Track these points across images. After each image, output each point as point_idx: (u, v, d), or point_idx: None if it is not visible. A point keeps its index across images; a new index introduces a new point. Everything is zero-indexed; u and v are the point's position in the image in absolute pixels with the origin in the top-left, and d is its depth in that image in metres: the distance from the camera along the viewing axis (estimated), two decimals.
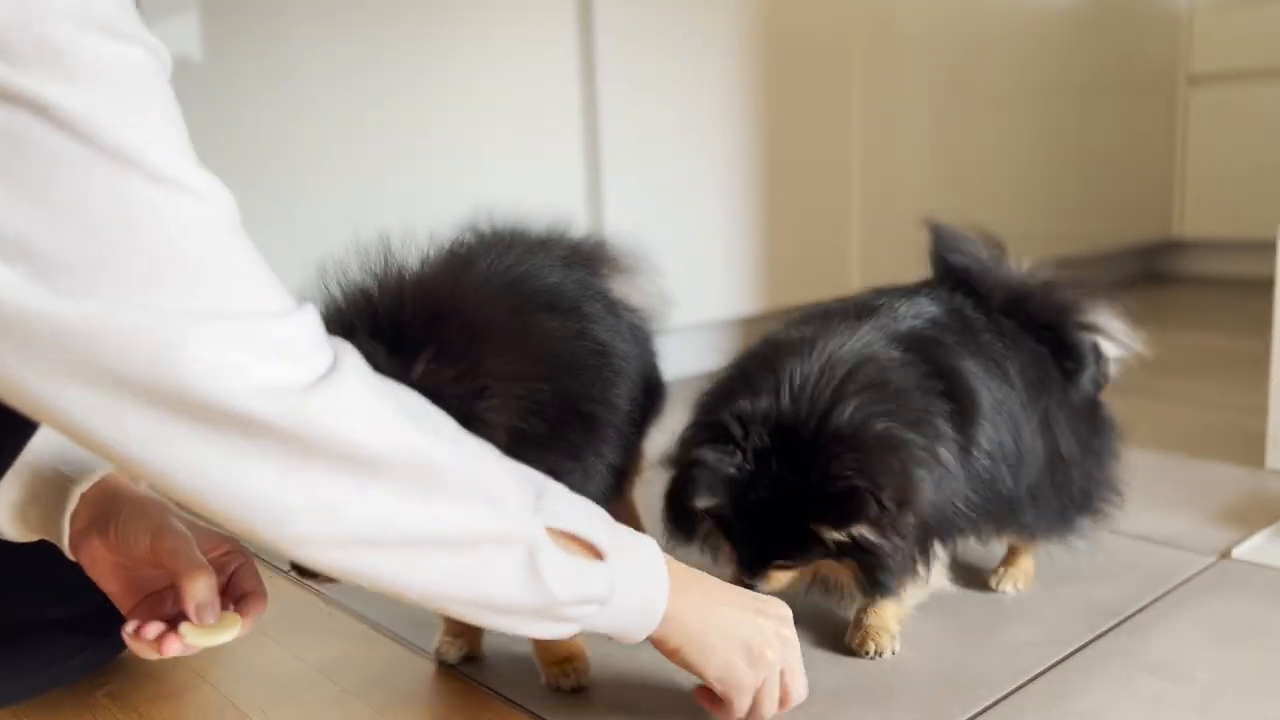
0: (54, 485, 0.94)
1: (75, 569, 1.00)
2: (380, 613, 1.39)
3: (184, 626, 0.92)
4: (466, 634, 1.27)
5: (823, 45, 2.81)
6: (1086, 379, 1.41)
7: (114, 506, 0.93)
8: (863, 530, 1.12)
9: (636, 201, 2.39)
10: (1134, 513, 1.65)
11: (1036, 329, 1.38)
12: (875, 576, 1.17)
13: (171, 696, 1.20)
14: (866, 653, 1.25)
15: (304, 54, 1.89)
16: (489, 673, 1.24)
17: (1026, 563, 1.46)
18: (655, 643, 0.99)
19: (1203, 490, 1.77)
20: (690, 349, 2.48)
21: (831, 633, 1.30)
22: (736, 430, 1.12)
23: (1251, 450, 1.91)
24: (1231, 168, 3.93)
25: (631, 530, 0.94)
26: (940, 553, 1.26)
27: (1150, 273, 4.26)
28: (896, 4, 2.98)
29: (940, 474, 1.18)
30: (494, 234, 1.32)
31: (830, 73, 2.84)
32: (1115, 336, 1.43)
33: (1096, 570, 1.46)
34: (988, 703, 1.14)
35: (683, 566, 0.98)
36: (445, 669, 1.25)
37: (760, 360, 1.21)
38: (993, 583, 1.43)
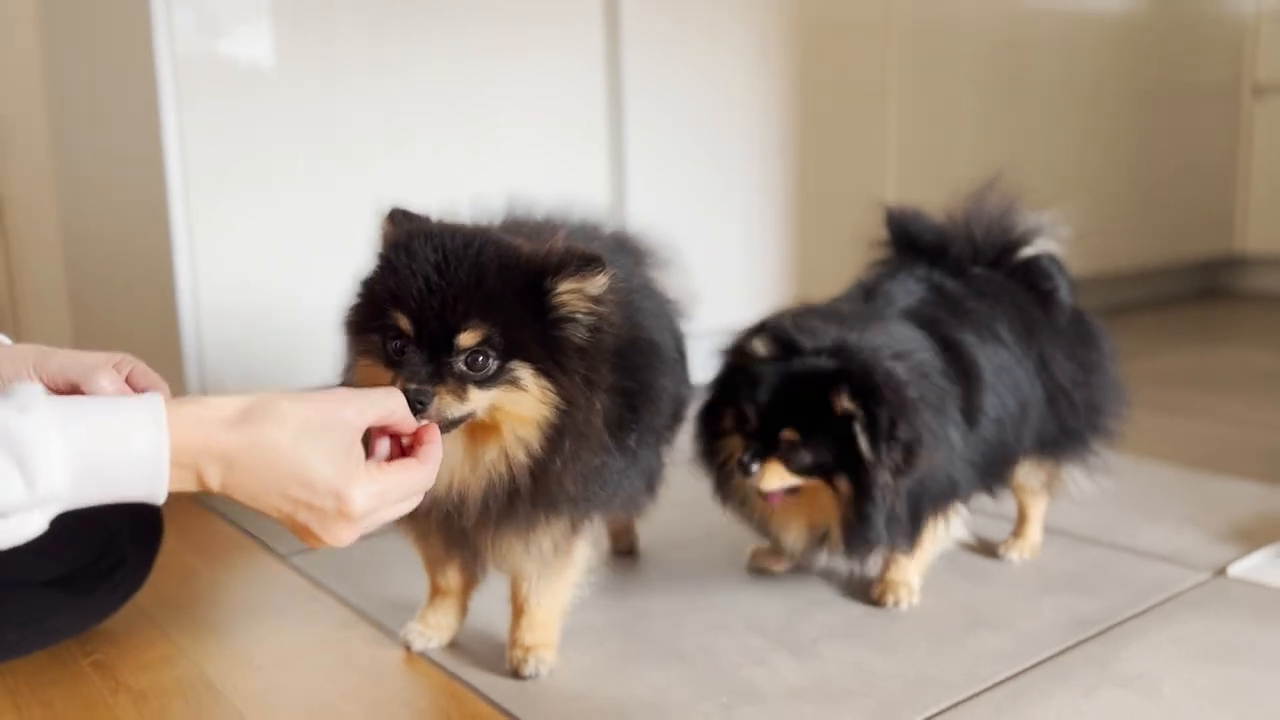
0: None
1: (58, 527, 1.02)
2: (363, 597, 1.43)
3: None
4: (442, 625, 1.29)
5: (857, 44, 2.80)
6: (1064, 290, 1.50)
7: None
8: (861, 421, 1.24)
9: (660, 201, 2.40)
10: (1137, 527, 1.63)
11: (1006, 268, 1.49)
12: (862, 510, 1.27)
13: (151, 668, 1.25)
14: (885, 604, 1.38)
15: (356, 61, 1.98)
16: (456, 659, 1.26)
17: (1034, 533, 1.55)
18: None
19: (1215, 506, 1.72)
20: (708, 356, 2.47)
21: (786, 631, 1.31)
22: (793, 326, 1.32)
23: (1272, 467, 1.86)
24: None
25: (130, 432, 0.77)
26: (952, 513, 1.39)
27: (1211, 288, 4.15)
28: (937, 1, 2.96)
29: (946, 451, 1.31)
30: (541, 220, 1.29)
31: (865, 73, 2.82)
32: (1050, 231, 1.52)
33: (1084, 582, 1.44)
34: (942, 707, 1.13)
35: (244, 469, 0.81)
36: (416, 654, 1.27)
37: (820, 308, 1.42)
38: (1001, 551, 1.54)
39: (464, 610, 1.31)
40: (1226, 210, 3.98)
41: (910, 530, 1.32)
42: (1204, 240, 3.95)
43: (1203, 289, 4.12)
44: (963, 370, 1.37)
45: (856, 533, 1.29)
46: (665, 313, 1.33)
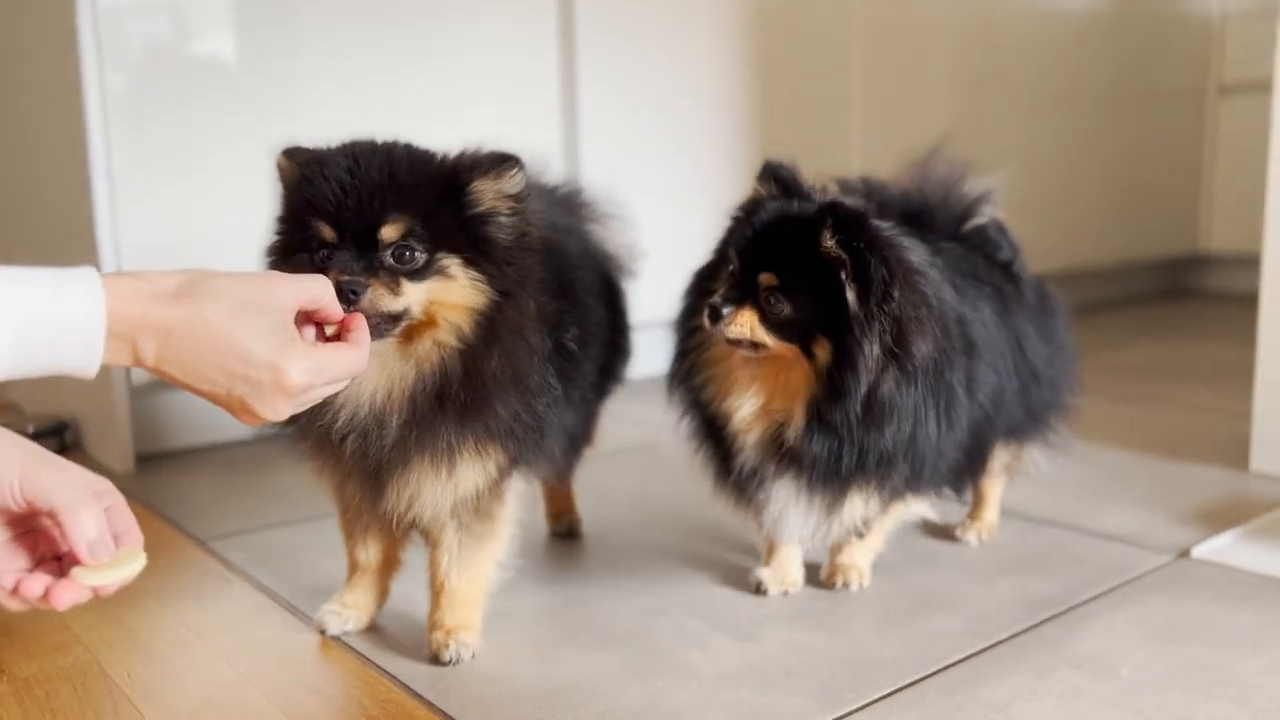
0: None
1: None
2: (279, 583, 1.34)
3: (76, 570, 0.76)
4: (360, 606, 1.21)
5: (821, 25, 2.73)
6: (1017, 262, 1.41)
7: None
8: (849, 270, 1.08)
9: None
10: (1098, 510, 1.58)
11: (957, 238, 1.38)
12: (840, 383, 1.09)
13: (41, 655, 1.15)
14: (834, 586, 1.30)
15: (315, 52, 1.94)
16: (373, 644, 1.18)
17: (990, 514, 1.47)
18: None
19: (1179, 491, 1.67)
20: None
21: (727, 611, 1.24)
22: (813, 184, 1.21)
23: (1238, 453, 1.81)
24: (1262, 180, 3.77)
25: (70, 308, 0.77)
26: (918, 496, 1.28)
27: (1176, 287, 4.12)
28: None
29: (956, 409, 1.19)
30: None
31: (829, 55, 2.75)
32: (996, 197, 1.43)
33: (1044, 563, 1.38)
34: (889, 689, 1.06)
35: (180, 342, 0.82)
36: (331, 639, 1.19)
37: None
38: (958, 533, 1.46)
39: (384, 592, 1.23)
40: (1192, 210, 3.95)
41: (877, 465, 1.15)
42: (1170, 239, 3.92)
43: (1169, 288, 4.09)
44: (966, 344, 1.24)
45: (824, 413, 1.11)
46: (594, 259, 1.31)
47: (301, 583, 1.34)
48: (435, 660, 1.12)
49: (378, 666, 1.12)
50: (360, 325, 0.92)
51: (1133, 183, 3.73)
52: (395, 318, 0.98)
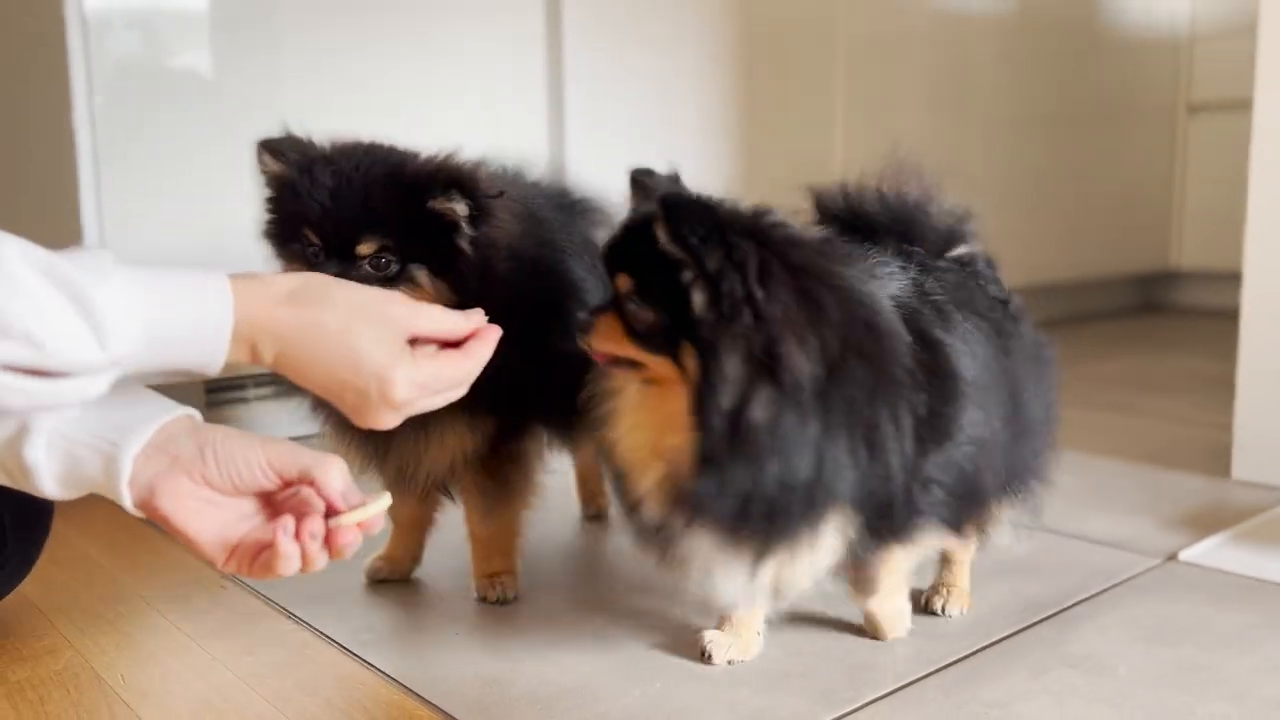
0: (99, 452, 0.82)
1: None
2: (274, 588, 1.33)
3: (334, 520, 0.85)
4: (400, 556, 1.36)
5: (807, 38, 2.77)
6: (1015, 302, 1.28)
7: (195, 443, 0.84)
8: (693, 267, 0.93)
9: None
10: (1087, 516, 1.59)
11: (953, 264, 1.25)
12: (700, 403, 0.94)
13: (33, 660, 1.14)
14: (883, 638, 1.19)
15: (296, 62, 1.95)
16: (372, 646, 1.17)
17: (963, 580, 1.31)
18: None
19: (1164, 497, 1.69)
20: None
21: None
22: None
23: (1220, 462, 1.83)
24: (1231, 198, 3.84)
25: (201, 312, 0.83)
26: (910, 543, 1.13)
27: (1148, 303, 4.18)
28: (881, 11, 2.94)
29: (884, 452, 1.01)
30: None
31: (814, 64, 2.79)
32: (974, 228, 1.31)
33: (1035, 567, 1.39)
34: (889, 689, 1.06)
35: (296, 347, 0.87)
36: (326, 641, 1.18)
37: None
38: (936, 606, 1.28)
39: (419, 546, 1.37)
40: (1163, 226, 4.01)
41: (768, 513, 0.96)
42: (1141, 255, 3.97)
43: (1140, 304, 4.15)
44: (939, 375, 1.08)
45: (696, 448, 0.95)
46: (580, 246, 1.36)
47: (298, 589, 1.32)
48: (483, 600, 1.28)
49: (378, 670, 1.12)
50: (482, 336, 0.95)
51: (1104, 199, 3.78)
52: None
